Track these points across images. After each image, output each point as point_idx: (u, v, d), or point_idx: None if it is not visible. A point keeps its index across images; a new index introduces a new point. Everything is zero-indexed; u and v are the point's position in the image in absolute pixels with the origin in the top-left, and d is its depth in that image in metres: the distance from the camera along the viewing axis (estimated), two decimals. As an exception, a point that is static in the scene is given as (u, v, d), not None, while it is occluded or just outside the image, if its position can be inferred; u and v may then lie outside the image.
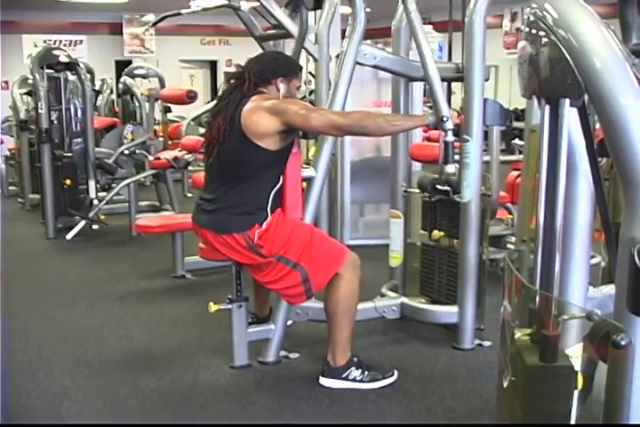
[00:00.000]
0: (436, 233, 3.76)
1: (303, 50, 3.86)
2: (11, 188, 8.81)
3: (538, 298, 1.79)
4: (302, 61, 5.42)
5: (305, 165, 3.53)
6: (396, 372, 3.34)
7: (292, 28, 3.88)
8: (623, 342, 1.48)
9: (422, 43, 3.40)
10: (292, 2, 3.74)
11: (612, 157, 1.57)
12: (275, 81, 3.21)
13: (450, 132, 3.35)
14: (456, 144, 3.62)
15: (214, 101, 3.40)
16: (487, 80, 3.55)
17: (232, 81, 3.27)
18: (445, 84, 3.90)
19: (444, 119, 3.29)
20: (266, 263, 3.20)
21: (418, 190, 3.83)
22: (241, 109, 3.08)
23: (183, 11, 4.37)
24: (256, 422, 3.01)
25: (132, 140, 7.27)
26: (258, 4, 3.96)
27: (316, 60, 4.04)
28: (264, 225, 3.15)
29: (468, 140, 3.47)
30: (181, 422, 3.02)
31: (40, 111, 6.43)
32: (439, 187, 3.62)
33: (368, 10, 3.54)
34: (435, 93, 3.37)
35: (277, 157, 3.17)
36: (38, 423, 3.08)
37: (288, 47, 4.53)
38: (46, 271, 5.41)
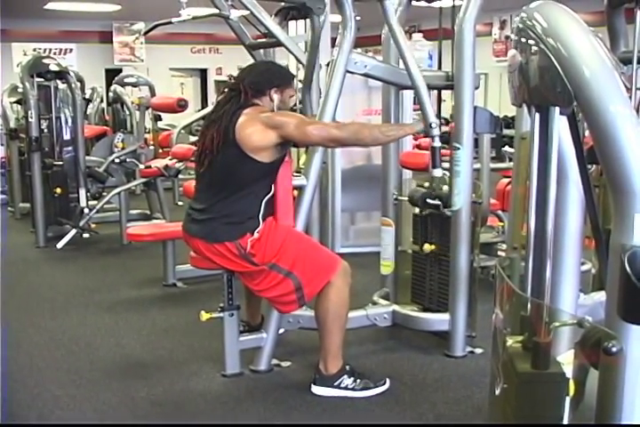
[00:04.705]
0: (427, 247, 3.77)
1: (293, 58, 3.88)
2: (2, 196, 8.77)
3: (529, 305, 1.80)
4: (293, 70, 5.45)
5: (296, 174, 3.53)
6: (388, 380, 3.33)
7: (282, 36, 3.89)
8: (614, 349, 1.49)
9: (406, 53, 3.41)
10: (302, 10, 3.75)
11: (602, 165, 1.58)
12: (269, 91, 3.22)
13: (437, 138, 3.38)
14: (446, 152, 3.64)
15: (207, 111, 3.42)
16: (477, 88, 3.57)
17: (226, 92, 3.27)
18: (435, 92, 3.92)
19: (432, 126, 3.33)
20: (258, 271, 3.19)
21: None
22: (235, 122, 3.08)
23: (174, 19, 4.38)
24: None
25: (123, 148, 7.26)
26: (248, 12, 3.97)
27: (306, 68, 4.04)
28: (256, 234, 3.15)
29: (459, 148, 3.48)
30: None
31: (30, 120, 6.40)
32: (430, 201, 3.65)
33: (358, 18, 3.55)
34: (422, 101, 3.40)
35: (270, 169, 3.18)
36: (38, 423, 3.07)
37: (278, 55, 4.54)
38: (37, 280, 5.39)
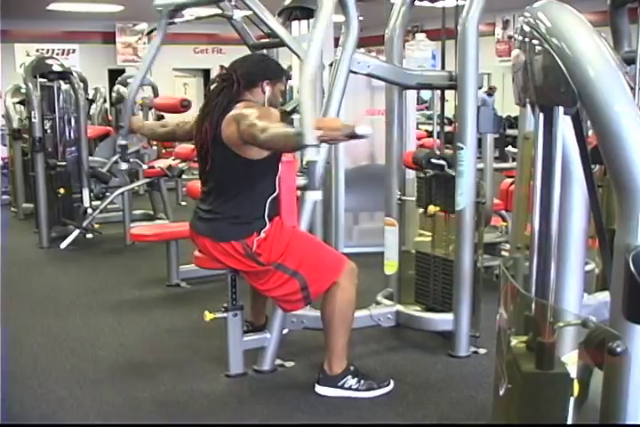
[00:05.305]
0: (431, 208, 3.74)
1: (296, 58, 3.88)
2: (3, 197, 8.78)
3: (533, 305, 1.80)
4: (296, 70, 5.45)
5: (299, 174, 3.52)
6: (392, 381, 3.33)
7: (285, 36, 3.89)
8: (619, 350, 1.48)
9: (318, 30, 3.02)
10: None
11: (606, 164, 1.57)
12: (261, 83, 3.19)
13: (310, 151, 2.59)
14: (449, 151, 3.64)
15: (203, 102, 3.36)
16: (480, 88, 3.56)
17: (218, 81, 3.24)
18: (439, 91, 3.91)
19: (302, 135, 2.57)
20: (264, 271, 3.19)
21: (412, 198, 3.85)
22: (223, 117, 3.07)
23: (177, 20, 4.38)
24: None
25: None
26: (251, 12, 3.97)
27: (309, 68, 4.03)
28: (262, 233, 3.14)
29: (462, 148, 3.48)
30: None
31: (33, 120, 6.41)
32: (434, 161, 3.62)
33: (361, 18, 3.55)
34: (301, 108, 2.73)
35: (263, 167, 3.13)
36: (38, 423, 3.07)
37: (281, 56, 4.54)
38: (40, 281, 5.39)
